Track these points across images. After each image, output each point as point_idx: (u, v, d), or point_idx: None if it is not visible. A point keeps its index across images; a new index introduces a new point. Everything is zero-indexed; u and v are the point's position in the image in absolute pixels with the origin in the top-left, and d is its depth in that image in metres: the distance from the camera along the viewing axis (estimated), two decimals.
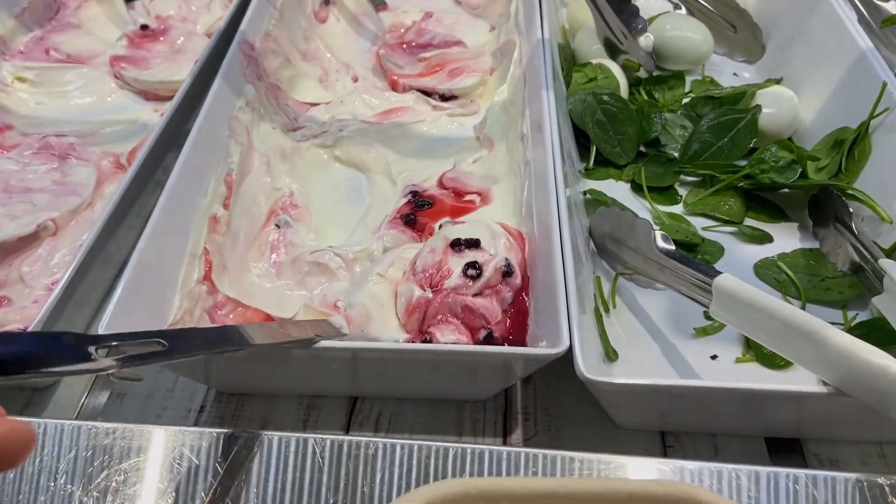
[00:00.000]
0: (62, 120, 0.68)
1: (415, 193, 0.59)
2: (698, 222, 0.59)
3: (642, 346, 0.50)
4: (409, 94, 0.70)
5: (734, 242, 0.58)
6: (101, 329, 0.40)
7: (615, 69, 0.67)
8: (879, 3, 0.78)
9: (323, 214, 0.59)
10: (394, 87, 0.71)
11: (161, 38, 0.74)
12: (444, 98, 0.70)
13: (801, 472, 0.35)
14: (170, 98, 0.62)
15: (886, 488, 0.34)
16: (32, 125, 0.67)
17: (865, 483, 0.34)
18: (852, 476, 0.34)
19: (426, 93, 0.70)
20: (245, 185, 0.58)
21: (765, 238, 0.58)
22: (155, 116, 0.68)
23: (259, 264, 0.54)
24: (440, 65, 0.72)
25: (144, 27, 0.75)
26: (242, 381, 0.47)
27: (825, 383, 0.39)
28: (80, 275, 0.49)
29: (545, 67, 0.61)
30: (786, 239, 0.58)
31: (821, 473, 0.34)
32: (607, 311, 0.53)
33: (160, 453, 0.37)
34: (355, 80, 0.73)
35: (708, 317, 0.52)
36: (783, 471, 0.35)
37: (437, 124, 0.68)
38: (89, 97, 0.71)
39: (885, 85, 0.55)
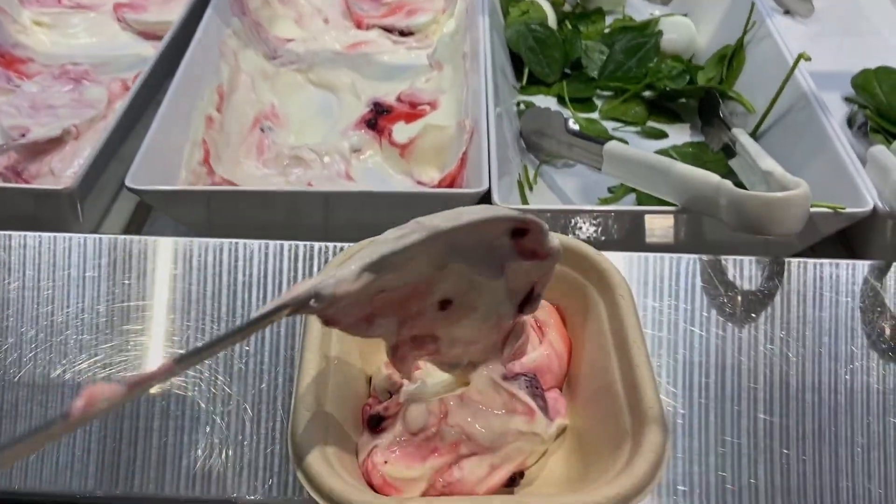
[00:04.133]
0: (75, 56, 0.79)
1: (376, 104, 0.72)
2: (610, 125, 0.72)
3: None
4: (372, 31, 0.83)
5: (638, 139, 0.71)
6: (128, 181, 0.52)
7: (545, 5, 0.80)
8: None
9: (300, 123, 0.71)
10: (359, 25, 0.84)
11: None
12: (403, 34, 0.82)
13: (659, 254, 0.47)
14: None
15: (723, 262, 0.47)
16: (50, 59, 0.78)
17: (707, 260, 0.47)
18: (694, 255, 0.47)
19: (387, 30, 0.83)
20: (234, 98, 0.70)
21: (661, 135, 0.71)
22: (153, 52, 0.80)
23: (248, 159, 0.67)
24: (399, 7, 0.85)
25: None
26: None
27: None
28: (97, 166, 0.60)
29: (483, 3, 0.74)
30: (679, 136, 0.71)
31: (667, 255, 0.47)
32: (531, 188, 0.65)
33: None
34: (326, 21, 0.85)
35: (610, 190, 0.64)
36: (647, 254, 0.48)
37: (397, 55, 0.81)
38: (96, 37, 0.82)
39: (753, 5, 0.68)
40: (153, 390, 0.41)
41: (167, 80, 0.68)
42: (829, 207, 0.50)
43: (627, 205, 0.63)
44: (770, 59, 0.67)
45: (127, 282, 0.46)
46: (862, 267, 0.47)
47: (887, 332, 0.43)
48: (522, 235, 0.33)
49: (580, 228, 0.55)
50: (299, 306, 0.30)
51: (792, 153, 0.59)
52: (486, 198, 0.53)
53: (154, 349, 0.43)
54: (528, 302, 0.36)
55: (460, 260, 0.33)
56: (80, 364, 0.42)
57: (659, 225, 0.54)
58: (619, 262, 0.44)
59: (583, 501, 0.29)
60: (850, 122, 0.66)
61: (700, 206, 0.49)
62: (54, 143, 0.67)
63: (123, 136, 0.64)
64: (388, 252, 0.31)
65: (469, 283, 0.34)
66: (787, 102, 0.63)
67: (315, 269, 0.47)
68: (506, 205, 0.53)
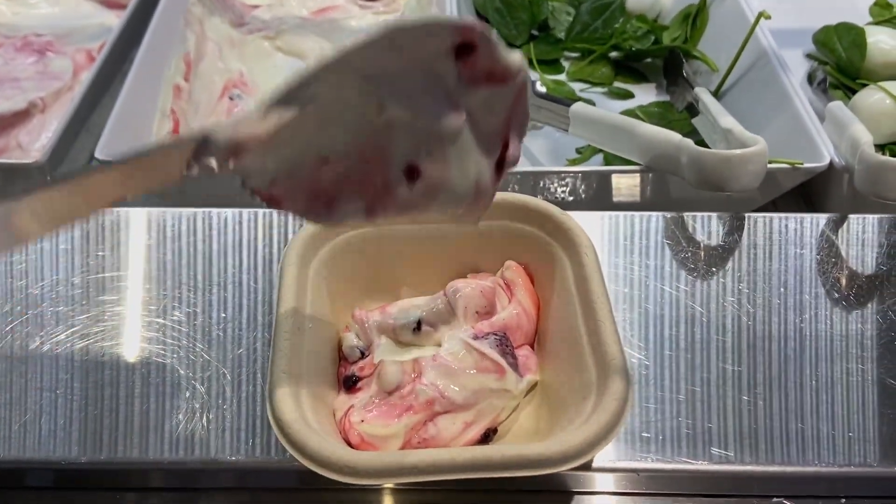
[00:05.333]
0: (37, 27, 0.78)
1: None
2: (577, 86, 0.73)
3: None
4: None
5: (605, 100, 0.72)
6: (98, 152, 0.53)
7: None
8: None
9: (269, 90, 0.71)
10: None
11: None
12: None
13: (624, 212, 0.48)
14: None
15: (686, 218, 0.48)
16: (11, 31, 0.77)
17: (671, 217, 0.48)
18: (658, 213, 0.48)
19: None
20: (201, 67, 0.70)
21: (627, 95, 0.72)
22: (117, 21, 0.78)
23: (217, 116, 0.67)
24: None
25: None
26: None
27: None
28: (65, 138, 0.60)
29: None
30: (645, 96, 0.72)
31: (633, 213, 0.48)
32: None
33: None
34: None
35: (578, 151, 0.65)
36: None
37: (364, 20, 0.80)
38: (58, 7, 0.81)
39: None
40: (132, 358, 0.42)
41: (133, 49, 0.67)
42: (787, 163, 0.51)
43: (595, 165, 0.64)
44: (732, 18, 0.68)
45: (101, 253, 0.47)
46: (819, 220, 0.48)
47: (842, 281, 0.45)
48: (469, 53, 0.27)
49: (549, 190, 0.56)
50: (196, 154, 0.25)
51: (753, 111, 0.61)
52: None
53: (131, 318, 0.44)
54: (505, 156, 0.31)
55: (397, 99, 0.27)
56: (57, 336, 0.42)
57: (625, 184, 0.56)
58: (585, 221, 0.45)
59: (549, 449, 0.31)
60: (811, 78, 0.68)
61: (663, 165, 0.51)
62: (20, 117, 0.66)
63: (91, 107, 0.64)
64: (294, 82, 0.26)
65: (426, 136, 0.29)
66: (748, 60, 0.64)
67: (290, 234, 0.47)
68: None
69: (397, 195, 0.30)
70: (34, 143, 0.65)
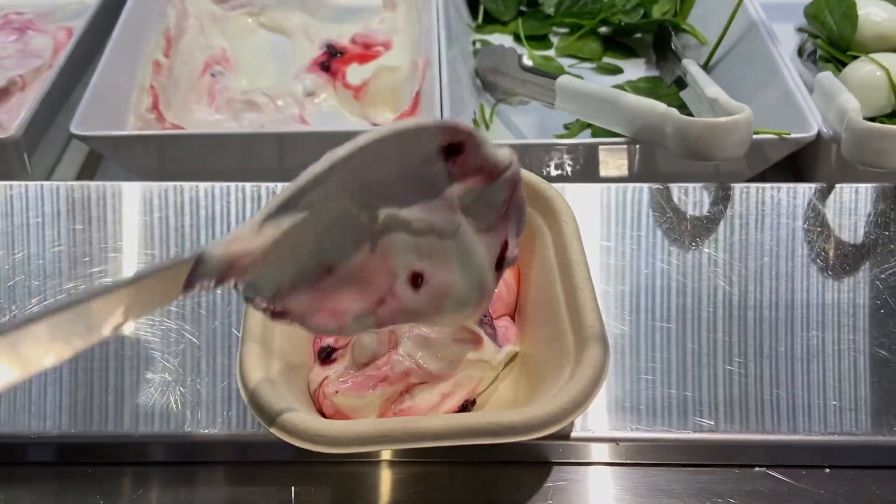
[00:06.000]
0: (17, 5, 0.77)
1: (329, 46, 0.71)
2: (566, 62, 0.72)
3: None
4: None
5: (593, 75, 0.71)
6: (73, 127, 0.52)
7: None
8: None
9: (252, 68, 0.70)
10: None
11: None
12: None
13: (609, 184, 0.48)
14: None
15: (672, 189, 0.47)
16: None
17: (656, 188, 0.47)
18: (644, 184, 0.48)
19: None
20: (182, 43, 0.68)
21: (617, 70, 0.71)
22: None
23: (199, 104, 0.66)
24: None
25: None
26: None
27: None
28: (43, 113, 0.59)
29: None
30: (635, 71, 0.71)
31: (617, 185, 0.47)
32: (487, 127, 0.65)
33: None
34: None
35: (566, 126, 0.65)
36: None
37: None
38: None
39: None
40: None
41: (113, 24, 0.66)
42: (774, 133, 0.51)
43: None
44: None
45: (78, 227, 0.46)
46: (806, 190, 0.48)
47: (829, 251, 0.45)
48: (458, 152, 0.28)
49: (536, 163, 0.55)
50: (192, 274, 0.25)
51: (742, 83, 0.60)
52: None
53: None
54: (504, 255, 0.32)
55: (391, 203, 0.28)
56: (30, 308, 0.42)
57: (613, 157, 0.55)
58: (570, 193, 0.45)
59: (523, 416, 0.30)
60: (801, 51, 0.66)
61: (648, 136, 0.50)
62: (0, 94, 0.65)
63: (70, 84, 0.63)
64: (285, 195, 0.27)
65: (425, 239, 0.30)
66: (737, 33, 0.63)
67: None
68: None
69: (404, 303, 0.31)
70: (13, 121, 0.63)
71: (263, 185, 0.48)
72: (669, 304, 0.42)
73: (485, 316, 0.37)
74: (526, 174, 0.41)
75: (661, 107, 0.48)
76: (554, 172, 0.55)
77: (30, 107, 0.55)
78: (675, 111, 0.47)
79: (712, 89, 0.51)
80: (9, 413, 0.39)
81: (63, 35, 0.72)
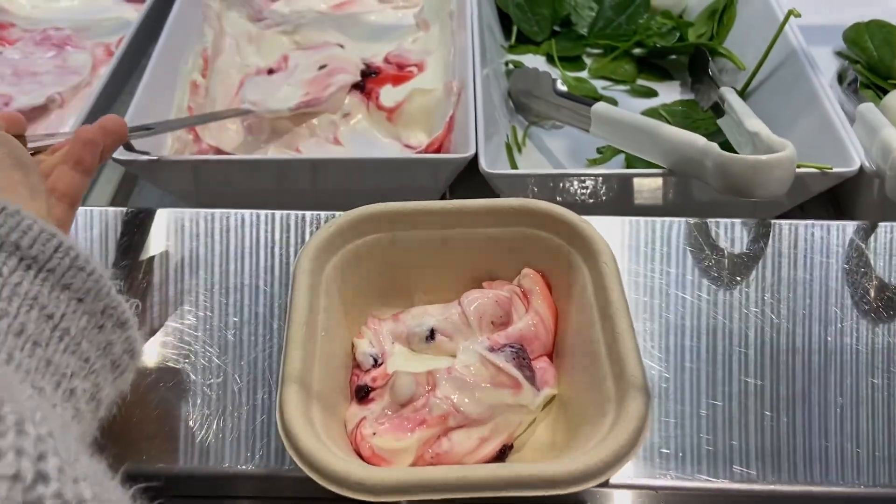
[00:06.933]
0: (56, 20, 0.78)
1: (364, 65, 0.71)
2: (599, 84, 0.71)
3: None
4: None
5: (627, 98, 0.70)
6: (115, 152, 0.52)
7: None
8: None
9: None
10: None
11: None
12: None
13: (646, 217, 0.47)
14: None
15: (710, 224, 0.47)
16: (31, 24, 0.77)
17: (694, 223, 0.47)
18: (681, 219, 0.47)
19: None
20: (219, 62, 0.69)
21: (651, 93, 0.70)
22: (136, 15, 0.78)
23: (234, 124, 0.66)
24: None
25: None
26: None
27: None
28: None
29: None
30: (669, 94, 0.70)
31: (654, 219, 0.47)
32: (519, 150, 0.65)
33: None
34: None
35: (599, 151, 0.64)
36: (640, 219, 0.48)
37: (383, 15, 0.79)
38: (77, 1, 0.81)
39: None
40: (145, 362, 0.41)
41: (150, 44, 0.67)
42: (816, 168, 0.50)
43: (616, 165, 0.62)
44: (760, 14, 0.67)
45: (116, 253, 0.46)
46: (847, 228, 0.47)
47: (871, 292, 0.44)
48: None
49: (568, 192, 0.55)
50: None
51: (780, 111, 0.59)
52: (472, 163, 0.53)
53: (145, 320, 0.43)
54: None
55: None
56: None
57: (647, 187, 0.54)
58: (605, 226, 0.44)
59: (565, 469, 0.30)
60: (841, 78, 0.66)
61: (687, 169, 0.49)
62: (39, 112, 0.66)
63: (108, 103, 0.63)
64: None
65: None
66: (776, 59, 0.62)
67: (307, 237, 0.47)
68: (494, 170, 0.53)
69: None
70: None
71: (293, 213, 0.48)
72: (706, 345, 0.42)
73: (523, 358, 0.37)
74: (563, 211, 0.41)
75: (701, 140, 0.48)
76: (585, 201, 0.55)
77: (73, 130, 0.56)
78: (715, 146, 0.46)
79: (753, 122, 0.50)
80: None
81: (101, 52, 0.73)
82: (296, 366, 0.34)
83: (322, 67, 0.68)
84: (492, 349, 0.37)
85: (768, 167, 0.44)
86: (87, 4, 0.81)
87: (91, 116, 0.60)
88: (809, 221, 0.47)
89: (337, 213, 0.47)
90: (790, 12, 0.59)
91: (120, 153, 0.52)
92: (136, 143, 0.54)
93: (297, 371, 0.34)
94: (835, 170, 0.50)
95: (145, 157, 0.54)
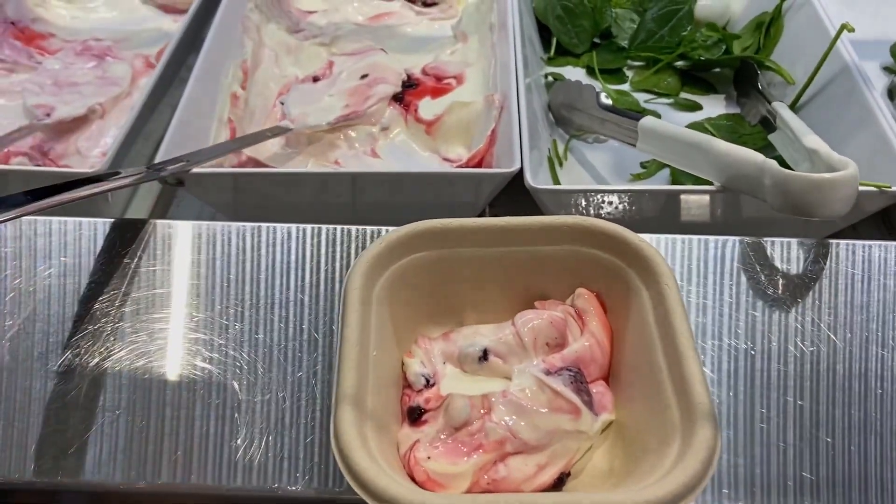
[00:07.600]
0: (95, 30, 0.78)
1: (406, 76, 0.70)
2: (641, 97, 0.70)
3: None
4: (394, 1, 0.81)
5: (670, 112, 0.69)
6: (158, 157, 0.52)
7: None
8: None
9: None
10: None
11: None
12: (426, 4, 0.80)
13: (697, 236, 0.46)
14: (186, 11, 0.73)
15: (765, 244, 0.46)
16: (71, 34, 0.77)
17: (748, 242, 0.46)
18: (734, 238, 0.46)
19: (410, 0, 0.81)
20: (258, 74, 0.69)
21: (695, 107, 0.69)
22: (175, 26, 0.78)
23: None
24: None
25: None
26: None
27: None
28: (125, 146, 0.60)
29: None
30: (714, 107, 0.69)
31: (706, 237, 0.46)
32: (561, 164, 0.64)
33: None
34: None
35: (643, 165, 0.63)
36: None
37: (420, 27, 0.79)
38: (116, 11, 0.81)
39: None
40: (191, 379, 0.41)
41: (190, 55, 0.67)
42: (874, 186, 0.48)
43: (661, 180, 0.61)
44: (809, 27, 0.65)
45: (161, 268, 0.46)
46: None
47: None
48: None
49: (613, 207, 0.54)
50: None
51: (833, 127, 0.58)
52: (518, 177, 0.52)
53: (191, 337, 0.43)
54: None
55: None
56: (116, 353, 0.42)
57: (695, 204, 0.53)
58: (661, 245, 0.43)
59: (633, 500, 0.29)
60: (891, 93, 0.64)
61: (742, 186, 0.48)
62: (80, 122, 0.66)
63: (148, 114, 0.63)
64: None
65: None
66: (827, 74, 0.61)
67: (352, 252, 0.46)
68: (538, 184, 0.52)
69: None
70: (93, 148, 0.65)
71: (333, 227, 0.48)
72: (762, 368, 0.41)
73: (581, 382, 0.36)
74: (619, 229, 0.40)
75: (758, 157, 0.47)
76: (632, 217, 0.54)
77: (115, 142, 0.56)
78: (774, 163, 0.45)
79: (811, 139, 0.49)
80: (94, 463, 0.39)
81: (140, 63, 0.73)
82: (350, 385, 0.34)
83: (364, 77, 0.67)
84: (548, 372, 0.36)
85: (832, 186, 0.43)
86: (125, 15, 0.81)
87: (134, 128, 0.60)
88: (867, 242, 0.46)
89: (384, 229, 0.46)
90: (843, 26, 0.58)
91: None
92: (176, 150, 0.54)
93: (351, 391, 0.34)
94: (894, 188, 0.48)
95: (189, 171, 0.53)
